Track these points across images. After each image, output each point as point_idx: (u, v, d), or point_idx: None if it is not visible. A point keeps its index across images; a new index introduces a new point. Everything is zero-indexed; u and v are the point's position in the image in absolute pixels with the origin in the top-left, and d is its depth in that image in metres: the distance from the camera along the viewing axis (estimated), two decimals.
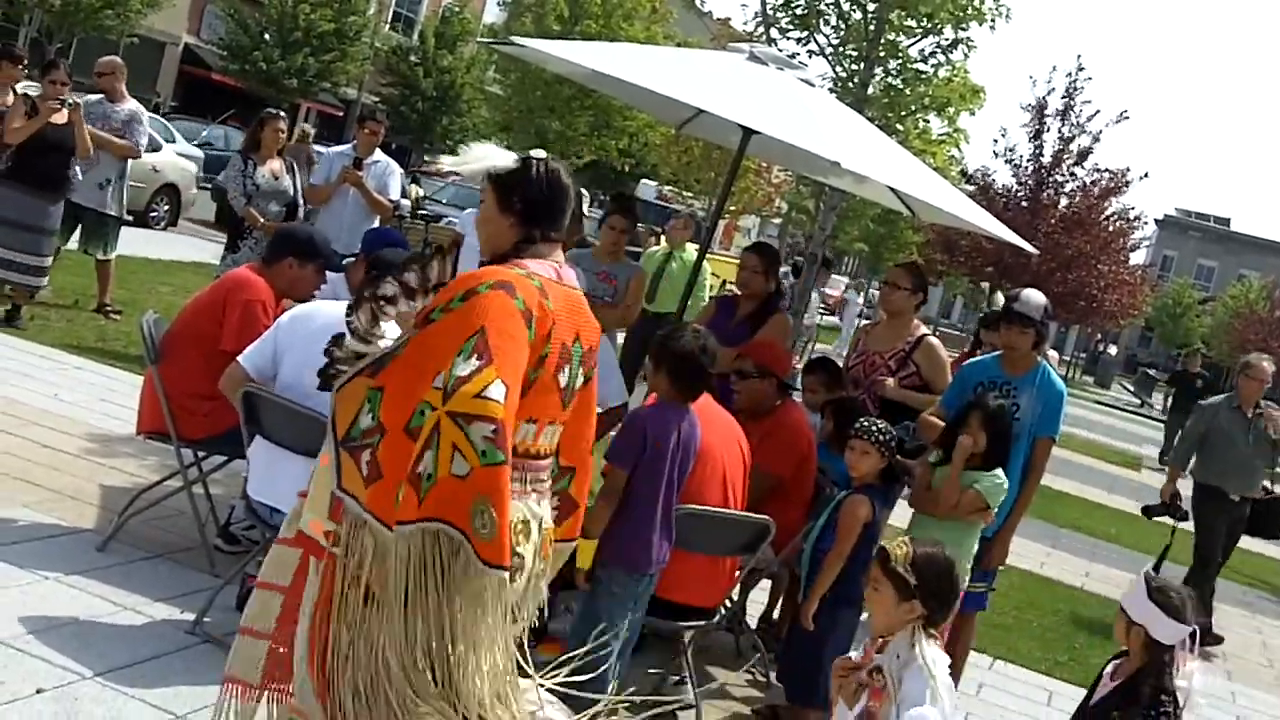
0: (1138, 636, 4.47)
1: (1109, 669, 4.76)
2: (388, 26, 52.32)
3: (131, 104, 11.70)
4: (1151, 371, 57.83)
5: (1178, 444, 10.94)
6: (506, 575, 3.32)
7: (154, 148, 19.67)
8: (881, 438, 6.01)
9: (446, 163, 3.91)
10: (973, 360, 7.49)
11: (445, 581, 3.33)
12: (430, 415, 3.30)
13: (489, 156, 3.80)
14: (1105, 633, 8.15)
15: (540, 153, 3.88)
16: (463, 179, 4.11)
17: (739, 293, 7.96)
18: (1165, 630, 4.38)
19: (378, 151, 10.72)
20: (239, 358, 5.76)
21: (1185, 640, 4.45)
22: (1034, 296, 6.68)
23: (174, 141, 21.35)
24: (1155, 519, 10.67)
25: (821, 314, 27.38)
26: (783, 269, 21.54)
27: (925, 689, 3.82)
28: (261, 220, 10.02)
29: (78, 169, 10.88)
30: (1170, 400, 27.95)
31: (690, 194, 38.98)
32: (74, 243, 11.74)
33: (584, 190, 11.72)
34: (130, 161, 11.83)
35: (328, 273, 6.88)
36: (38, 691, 4.63)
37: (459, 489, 3.27)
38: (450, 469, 3.26)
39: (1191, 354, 28.54)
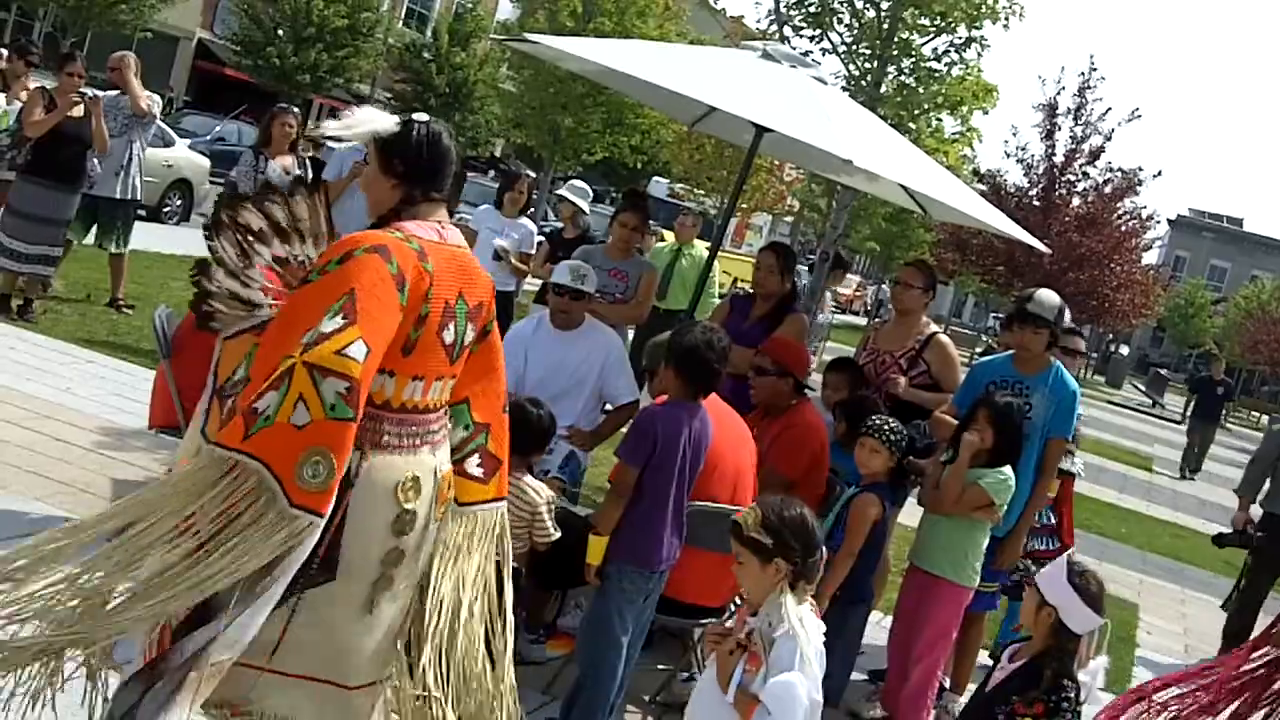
0: (1047, 619, 4.40)
1: (1008, 652, 4.69)
2: (401, 23, 52.35)
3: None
4: (1163, 371, 57.69)
5: (1247, 470, 10.07)
6: (319, 521, 3.34)
7: (167, 142, 19.72)
8: (892, 437, 6.02)
9: (330, 127, 3.96)
10: (985, 359, 7.50)
11: (229, 515, 3.31)
12: (287, 362, 3.35)
13: (371, 120, 3.85)
14: (1116, 632, 8.13)
15: (422, 115, 3.94)
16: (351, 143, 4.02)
17: (753, 291, 7.95)
18: (1078, 617, 4.32)
19: None
20: None
21: (1095, 633, 4.40)
22: (1048, 297, 6.67)
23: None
24: (1226, 547, 10.11)
25: (834, 312, 27.33)
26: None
27: (795, 653, 3.73)
28: None
29: (95, 162, 10.94)
30: (1190, 407, 27.22)
31: (702, 191, 38.94)
32: (90, 237, 11.77)
33: (588, 187, 11.64)
34: (144, 154, 11.88)
35: None
36: None
37: (292, 438, 3.31)
38: (290, 417, 3.31)
39: (1214, 359, 28.17)
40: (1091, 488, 18.40)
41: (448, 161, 3.90)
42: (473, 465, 4.10)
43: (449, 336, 3.79)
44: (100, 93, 11.36)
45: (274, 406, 3.32)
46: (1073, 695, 4.27)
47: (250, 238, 4.02)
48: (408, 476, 3.71)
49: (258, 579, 3.33)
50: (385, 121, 3.85)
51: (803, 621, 3.77)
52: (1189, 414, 27.52)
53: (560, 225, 10.83)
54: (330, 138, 3.98)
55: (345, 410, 3.35)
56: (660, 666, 6.26)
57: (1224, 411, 26.85)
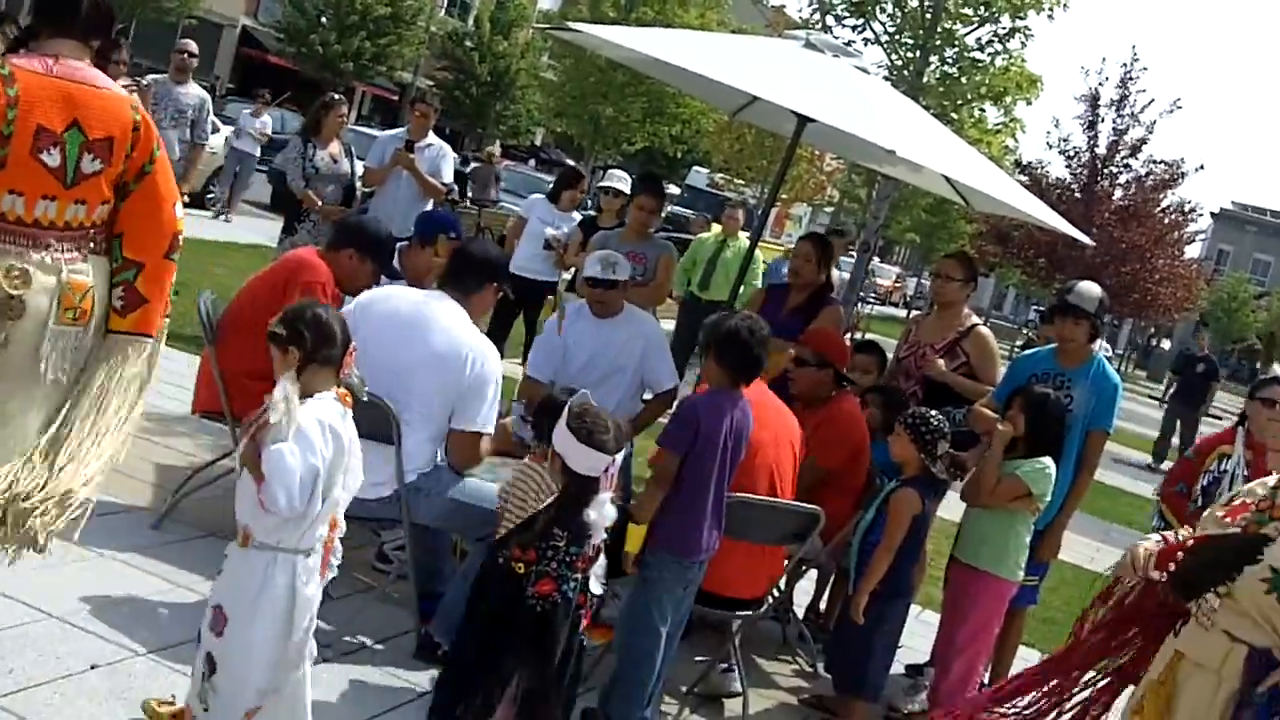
0: (555, 462, 4.40)
1: None
2: (443, 11, 52.44)
3: (200, 90, 11.88)
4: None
5: None
6: None
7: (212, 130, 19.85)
8: (923, 430, 5.91)
9: None
10: (1027, 353, 7.45)
11: None
12: None
13: None
14: None
15: None
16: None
17: (789, 280, 7.94)
18: (578, 458, 4.29)
19: (431, 134, 10.73)
20: None
21: (607, 470, 4.34)
22: (1089, 288, 6.63)
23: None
24: None
25: (873, 304, 27.26)
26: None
27: (282, 423, 3.93)
28: (319, 203, 10.04)
29: None
30: (1172, 388, 24.20)
31: (742, 181, 38.91)
32: None
33: (627, 174, 11.59)
34: (195, 145, 12.00)
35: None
36: (92, 667, 4.68)
37: None
38: None
39: (1199, 332, 26.23)
40: (1132, 483, 18.34)
41: (75, 2, 4.25)
42: (114, 296, 4.46)
43: (51, 160, 4.14)
44: (154, 76, 11.46)
45: None
46: (562, 545, 4.24)
47: None
48: (13, 265, 4.14)
49: None
50: None
51: (287, 398, 3.93)
52: (1169, 396, 24.29)
53: (594, 214, 10.83)
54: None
55: None
56: (699, 658, 6.26)
57: (1207, 394, 23.23)
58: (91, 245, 4.36)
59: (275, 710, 4.07)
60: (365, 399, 4.38)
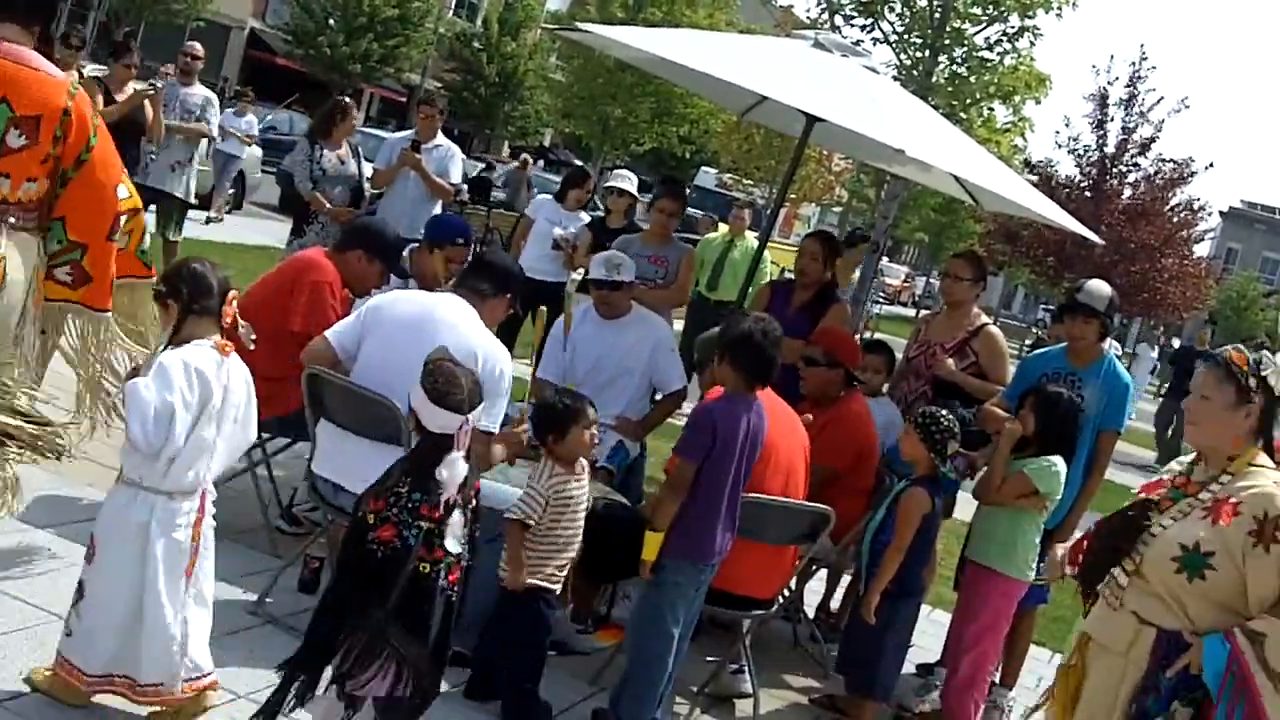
0: (411, 419, 4.42)
1: None
2: (451, 12, 52.46)
3: (204, 90, 11.94)
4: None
5: None
6: None
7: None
8: (932, 429, 5.91)
9: None
10: (1037, 352, 7.44)
11: None
12: None
13: None
14: None
15: None
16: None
17: (795, 278, 7.94)
18: (430, 417, 4.29)
19: (439, 135, 10.72)
20: (326, 332, 5.70)
21: (462, 428, 4.35)
22: (1099, 287, 6.61)
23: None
24: None
25: (882, 303, 27.21)
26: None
27: (153, 364, 4.20)
28: (327, 205, 10.02)
29: (149, 153, 11.03)
30: (1168, 384, 23.30)
31: (750, 182, 38.89)
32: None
33: (633, 174, 11.56)
34: (202, 145, 12.02)
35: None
36: None
37: None
38: None
39: (1203, 327, 25.97)
40: (1141, 483, 18.26)
41: None
42: (62, 273, 4.83)
43: None
44: (166, 74, 11.53)
45: None
46: (404, 492, 4.24)
47: None
48: None
49: None
50: None
51: (163, 350, 4.25)
52: (1165, 391, 23.30)
53: (602, 215, 10.82)
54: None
55: None
56: (709, 659, 6.26)
57: None
58: (11, 220, 4.52)
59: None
60: (251, 347, 4.67)
